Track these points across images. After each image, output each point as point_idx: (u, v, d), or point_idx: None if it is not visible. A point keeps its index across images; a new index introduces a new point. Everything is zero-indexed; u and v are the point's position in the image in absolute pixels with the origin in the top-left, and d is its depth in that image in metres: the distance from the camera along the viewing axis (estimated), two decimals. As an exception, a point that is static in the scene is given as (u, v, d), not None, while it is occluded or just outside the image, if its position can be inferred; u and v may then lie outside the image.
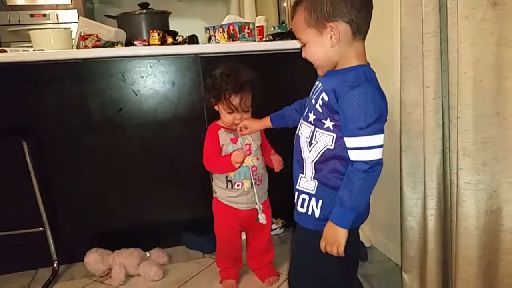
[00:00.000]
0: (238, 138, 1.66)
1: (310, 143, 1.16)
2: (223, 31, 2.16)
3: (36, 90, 1.90)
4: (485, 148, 1.21)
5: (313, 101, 1.16)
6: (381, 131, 1.06)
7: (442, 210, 1.43)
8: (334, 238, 1.10)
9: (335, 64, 1.12)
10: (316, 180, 1.16)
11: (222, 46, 2.11)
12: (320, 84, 1.16)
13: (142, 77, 2.00)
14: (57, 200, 1.99)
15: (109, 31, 2.16)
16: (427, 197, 1.42)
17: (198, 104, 2.06)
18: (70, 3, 4.00)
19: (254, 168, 1.67)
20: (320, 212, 1.15)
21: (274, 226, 2.22)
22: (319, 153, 1.14)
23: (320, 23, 1.07)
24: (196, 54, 2.03)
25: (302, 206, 1.19)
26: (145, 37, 2.30)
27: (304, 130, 1.19)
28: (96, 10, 4.50)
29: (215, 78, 1.62)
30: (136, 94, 2.00)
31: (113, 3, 4.47)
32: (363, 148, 1.05)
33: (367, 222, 1.30)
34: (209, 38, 2.27)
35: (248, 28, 2.15)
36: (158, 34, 2.10)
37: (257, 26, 2.23)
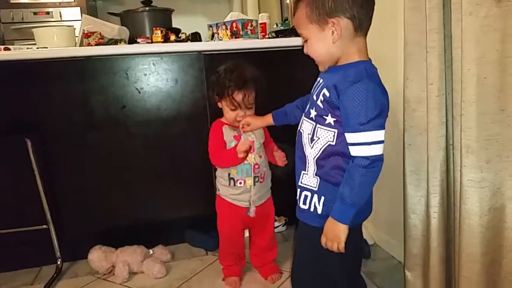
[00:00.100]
0: (241, 136, 1.66)
1: (312, 140, 1.16)
2: (226, 29, 2.16)
3: (39, 88, 1.91)
4: (488, 146, 1.21)
5: (315, 97, 1.16)
6: (382, 126, 1.06)
7: (445, 208, 1.43)
8: (335, 234, 1.10)
9: (337, 60, 1.12)
10: (318, 177, 1.16)
11: (225, 43, 2.10)
12: (321, 80, 1.16)
13: (145, 75, 2.00)
14: (61, 197, 2.00)
15: (112, 29, 2.16)
16: (430, 194, 1.42)
17: (201, 101, 2.06)
18: (73, 0, 4.00)
19: (256, 166, 1.67)
20: (322, 209, 1.15)
21: (277, 224, 2.22)
22: (320, 149, 1.14)
23: (322, 19, 1.07)
24: (199, 52, 2.03)
25: (304, 203, 1.19)
26: (148, 35, 2.30)
27: (306, 126, 1.19)
28: (99, 7, 4.50)
29: (218, 74, 1.62)
30: (139, 92, 2.00)
31: (116, 0, 4.46)
32: (364, 143, 1.05)
33: (370, 219, 1.30)
34: (212, 36, 2.26)
35: (251, 25, 2.15)
36: (161, 32, 2.10)
37: (260, 23, 2.23)
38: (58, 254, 1.96)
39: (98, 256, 1.93)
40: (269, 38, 2.20)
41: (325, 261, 1.18)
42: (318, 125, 1.14)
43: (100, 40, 2.02)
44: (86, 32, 2.02)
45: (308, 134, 1.17)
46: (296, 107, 1.44)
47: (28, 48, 2.01)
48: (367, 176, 1.06)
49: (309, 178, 1.18)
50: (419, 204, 1.48)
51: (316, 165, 1.16)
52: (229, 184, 1.69)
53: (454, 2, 1.22)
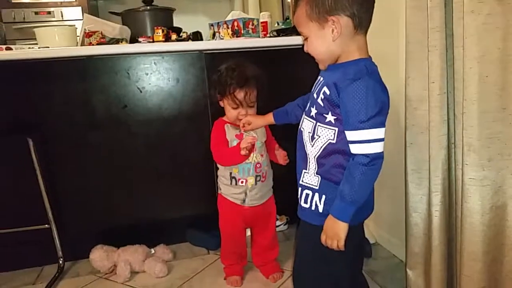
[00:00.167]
0: (243, 134, 1.66)
1: (312, 138, 1.16)
2: (227, 27, 2.16)
3: (41, 88, 1.91)
4: (490, 144, 1.21)
5: (315, 95, 1.16)
6: (382, 124, 1.06)
7: (447, 206, 1.43)
8: (335, 232, 1.10)
9: (337, 58, 1.12)
10: (319, 175, 1.15)
11: (226, 42, 2.10)
12: (322, 79, 1.16)
13: (147, 74, 2.00)
14: (62, 197, 2.00)
15: (114, 28, 2.16)
16: (432, 193, 1.42)
17: (202, 100, 2.06)
18: (74, 0, 4.00)
19: (258, 165, 1.67)
20: (323, 207, 1.15)
21: (278, 223, 2.22)
22: (321, 147, 1.14)
23: (322, 17, 1.07)
24: (200, 51, 2.03)
25: (305, 202, 1.19)
26: (149, 34, 2.30)
27: (306, 124, 1.19)
28: (100, 7, 4.50)
29: (220, 73, 1.62)
30: (141, 91, 2.01)
31: (117, 0, 4.46)
32: (364, 141, 1.05)
33: (372, 218, 1.30)
34: (213, 35, 2.27)
35: (252, 24, 2.15)
36: (163, 31, 2.10)
37: (261, 22, 2.22)
38: (60, 253, 1.96)
39: (99, 255, 1.94)
40: (270, 37, 2.20)
41: (326, 259, 1.18)
42: (318, 123, 1.14)
43: (102, 40, 2.02)
44: (87, 31, 2.02)
45: (309, 132, 1.17)
46: (297, 106, 1.43)
47: (29, 47, 2.01)
48: (367, 174, 1.06)
49: (310, 177, 1.18)
50: (420, 202, 1.48)
51: (317, 163, 1.16)
52: (231, 183, 1.69)
53: (455, 1, 1.22)
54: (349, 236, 1.11)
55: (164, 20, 2.44)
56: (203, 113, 2.06)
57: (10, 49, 1.93)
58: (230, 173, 1.68)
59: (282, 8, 3.59)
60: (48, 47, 1.97)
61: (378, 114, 1.04)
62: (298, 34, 1.17)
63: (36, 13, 3.93)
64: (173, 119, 2.06)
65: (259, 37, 2.18)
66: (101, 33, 2.03)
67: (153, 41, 2.10)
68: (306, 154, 1.18)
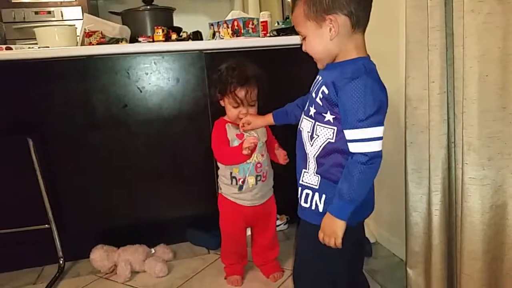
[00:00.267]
0: (244, 134, 1.66)
1: (311, 137, 1.16)
2: (227, 27, 2.16)
3: (41, 88, 1.91)
4: (490, 143, 1.21)
5: (314, 94, 1.16)
6: (380, 123, 1.06)
7: (447, 205, 1.43)
8: (332, 230, 1.10)
9: (335, 57, 1.12)
10: (319, 175, 1.16)
11: (226, 42, 2.10)
12: (320, 78, 1.17)
13: (147, 74, 2.00)
14: (62, 197, 2.00)
15: (114, 28, 2.16)
16: (432, 192, 1.42)
17: (203, 100, 2.06)
18: (74, 0, 4.00)
19: (258, 165, 1.67)
20: (323, 207, 1.15)
21: (278, 222, 2.22)
22: (320, 146, 1.14)
23: (319, 16, 1.07)
24: (200, 50, 2.03)
25: (305, 201, 1.19)
26: (149, 34, 2.30)
27: (305, 124, 1.19)
28: (100, 6, 4.50)
29: (220, 72, 1.62)
30: (141, 91, 2.01)
31: (117, -1, 4.47)
32: (362, 140, 1.05)
33: (372, 217, 1.30)
34: (213, 34, 2.26)
35: (252, 24, 2.15)
36: (163, 31, 2.10)
37: (261, 22, 2.22)
38: (60, 253, 1.96)
39: (100, 255, 1.94)
40: (270, 36, 2.20)
41: (327, 259, 1.19)
42: (317, 123, 1.14)
43: (102, 39, 2.02)
44: (87, 31, 2.02)
45: (308, 132, 1.17)
46: (297, 106, 1.44)
47: (29, 47, 2.01)
48: (366, 173, 1.06)
49: (310, 177, 1.18)
50: (420, 202, 1.48)
51: (317, 163, 1.16)
52: (231, 183, 1.69)
53: (455, 0, 1.22)
54: (348, 234, 1.11)
55: (164, 20, 2.44)
56: (203, 113, 2.06)
57: (10, 49, 1.93)
58: (231, 173, 1.68)
59: (282, 8, 3.59)
60: (48, 47, 1.97)
61: (376, 113, 1.04)
62: (298, 33, 1.17)
63: (36, 13, 3.93)
64: (173, 119, 2.06)
65: (259, 36, 2.18)
66: (101, 33, 2.03)
67: (153, 41, 2.10)
68: (306, 153, 1.19)
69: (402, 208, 1.59)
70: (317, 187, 1.16)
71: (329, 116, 1.12)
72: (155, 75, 2.01)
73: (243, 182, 1.67)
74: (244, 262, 1.88)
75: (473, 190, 1.24)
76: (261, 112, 1.63)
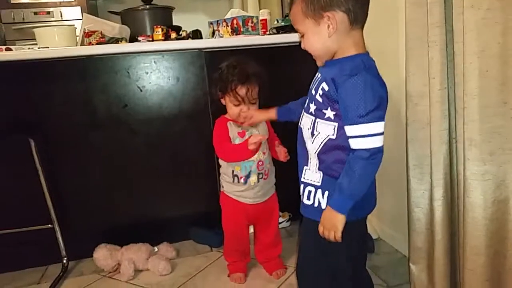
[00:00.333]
0: (245, 132, 1.66)
1: (312, 134, 1.16)
2: (227, 25, 2.16)
3: (41, 88, 1.91)
4: (491, 138, 1.21)
5: (313, 91, 1.16)
6: (381, 118, 1.06)
7: (449, 201, 1.43)
8: (332, 223, 1.10)
9: (334, 54, 1.12)
10: (321, 172, 1.16)
11: (226, 40, 2.10)
12: (319, 75, 1.17)
13: (147, 73, 2.00)
14: (65, 197, 2.01)
15: (113, 28, 2.16)
16: (434, 188, 1.42)
17: (203, 99, 2.06)
18: (73, 0, 4.00)
19: (260, 163, 1.68)
20: (326, 204, 1.15)
21: (280, 220, 2.22)
22: (321, 143, 1.14)
23: (317, 13, 1.07)
24: (200, 49, 2.03)
25: (308, 198, 1.19)
26: (149, 33, 2.30)
27: (306, 121, 1.19)
28: (99, 6, 4.49)
29: (221, 70, 1.62)
30: (141, 90, 2.01)
31: (116, -1, 4.47)
32: (363, 136, 1.05)
33: (374, 213, 1.30)
34: (213, 33, 2.26)
35: (252, 22, 2.15)
36: (162, 30, 2.10)
37: (261, 20, 2.22)
38: (63, 253, 1.97)
39: (103, 254, 1.94)
40: (270, 34, 2.20)
41: (330, 255, 1.19)
42: (318, 119, 1.14)
43: (101, 39, 2.02)
44: (87, 31, 2.02)
45: (308, 129, 1.17)
46: (300, 105, 1.43)
47: (29, 48, 2.01)
48: (367, 168, 1.07)
49: (312, 174, 1.18)
50: (422, 197, 1.49)
51: (318, 159, 1.16)
52: (233, 181, 1.69)
53: (455, -4, 1.22)
54: (350, 230, 1.11)
55: (164, 19, 2.44)
56: (203, 112, 2.06)
57: (10, 49, 1.93)
58: (232, 171, 1.68)
59: (281, 6, 3.58)
60: (48, 47, 1.98)
61: (376, 108, 1.04)
62: (296, 31, 1.17)
63: (35, 13, 3.92)
64: (173, 118, 2.06)
65: (258, 34, 2.18)
66: (101, 32, 2.03)
67: (153, 40, 2.10)
68: (307, 151, 1.19)
69: (404, 204, 1.59)
70: (319, 184, 1.16)
71: (329, 113, 1.12)
72: (155, 74, 2.01)
73: (245, 180, 1.68)
74: (247, 260, 1.88)
75: (475, 185, 1.24)
76: (262, 110, 1.63)
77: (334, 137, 1.12)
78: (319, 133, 1.14)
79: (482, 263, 1.28)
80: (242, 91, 1.59)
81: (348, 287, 1.26)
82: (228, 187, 1.73)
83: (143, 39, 2.10)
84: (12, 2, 3.89)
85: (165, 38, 2.11)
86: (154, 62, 2.00)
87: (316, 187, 1.17)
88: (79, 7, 3.98)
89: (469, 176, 1.25)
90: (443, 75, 1.33)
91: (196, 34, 2.26)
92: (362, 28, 1.11)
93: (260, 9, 2.79)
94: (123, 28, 2.25)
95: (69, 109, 1.96)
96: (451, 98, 1.35)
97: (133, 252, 1.95)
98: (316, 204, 1.18)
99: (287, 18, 2.34)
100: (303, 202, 1.22)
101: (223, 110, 1.70)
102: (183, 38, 2.20)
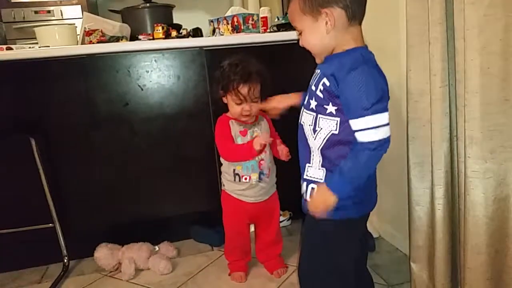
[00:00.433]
0: (247, 130, 1.66)
1: (314, 130, 1.15)
2: (227, 23, 2.15)
3: (42, 87, 1.91)
4: (492, 136, 1.20)
5: (313, 87, 1.15)
6: (385, 109, 1.05)
7: (450, 199, 1.42)
8: (323, 199, 1.09)
9: (332, 51, 1.11)
10: (324, 168, 1.15)
11: (227, 38, 2.10)
12: (319, 71, 1.16)
13: (148, 72, 2.00)
14: (66, 196, 2.01)
15: (114, 26, 2.16)
16: (434, 186, 1.41)
17: (204, 97, 2.06)
18: (74, -2, 4.01)
19: (261, 161, 1.67)
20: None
21: (281, 218, 2.22)
22: (324, 139, 1.13)
23: (315, 10, 1.06)
24: (200, 47, 2.02)
25: (311, 196, 1.19)
26: (149, 31, 2.30)
27: (306, 118, 1.18)
28: (99, 5, 4.49)
29: (223, 69, 1.62)
30: (142, 89, 2.01)
31: (116, -3, 4.46)
32: (370, 128, 1.04)
33: (375, 212, 1.30)
34: (213, 31, 2.26)
35: (252, 20, 2.14)
36: (162, 28, 2.10)
37: (261, 17, 2.22)
38: (64, 252, 1.97)
39: (104, 253, 1.94)
40: (270, 32, 2.20)
41: (332, 254, 1.18)
42: (319, 115, 1.14)
43: (102, 38, 2.02)
44: (87, 30, 2.02)
45: (310, 125, 1.16)
46: None
47: (30, 47, 2.01)
48: (373, 158, 1.06)
49: (314, 170, 1.17)
50: (423, 196, 1.48)
51: (321, 155, 1.15)
52: (234, 180, 1.69)
53: (456, -8, 1.21)
54: (351, 229, 1.11)
55: (164, 17, 2.44)
56: (204, 110, 2.06)
57: (11, 49, 1.93)
58: (234, 170, 1.68)
59: (282, 3, 3.57)
60: (49, 46, 1.98)
61: (380, 100, 1.04)
62: (295, 29, 1.16)
63: (35, 12, 3.93)
64: (174, 116, 2.06)
65: (259, 32, 2.18)
66: (101, 31, 2.03)
67: (153, 39, 2.09)
68: (309, 147, 1.18)
69: (405, 202, 1.59)
70: (322, 181, 1.16)
71: (331, 108, 1.11)
72: (156, 72, 2.01)
73: (246, 179, 1.68)
74: (248, 259, 1.88)
75: (476, 184, 1.24)
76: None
77: (336, 132, 1.11)
78: (321, 129, 1.13)
79: (483, 262, 1.27)
80: (244, 89, 1.59)
81: (349, 286, 1.26)
82: (229, 185, 1.73)
83: (143, 38, 2.10)
84: (12, 1, 3.90)
85: (166, 36, 2.11)
86: (155, 60, 2.00)
87: (320, 184, 1.17)
88: (79, 6, 3.98)
89: (470, 174, 1.24)
90: (444, 72, 1.32)
91: (196, 32, 2.26)
92: (360, 23, 1.10)
93: (260, 7, 2.78)
94: (124, 26, 2.25)
95: (70, 108, 1.96)
96: (452, 96, 1.35)
97: (134, 251, 1.95)
98: (319, 201, 1.17)
99: (287, 15, 2.33)
100: (305, 200, 1.22)
101: (224, 108, 1.69)
102: (184, 36, 2.19)
